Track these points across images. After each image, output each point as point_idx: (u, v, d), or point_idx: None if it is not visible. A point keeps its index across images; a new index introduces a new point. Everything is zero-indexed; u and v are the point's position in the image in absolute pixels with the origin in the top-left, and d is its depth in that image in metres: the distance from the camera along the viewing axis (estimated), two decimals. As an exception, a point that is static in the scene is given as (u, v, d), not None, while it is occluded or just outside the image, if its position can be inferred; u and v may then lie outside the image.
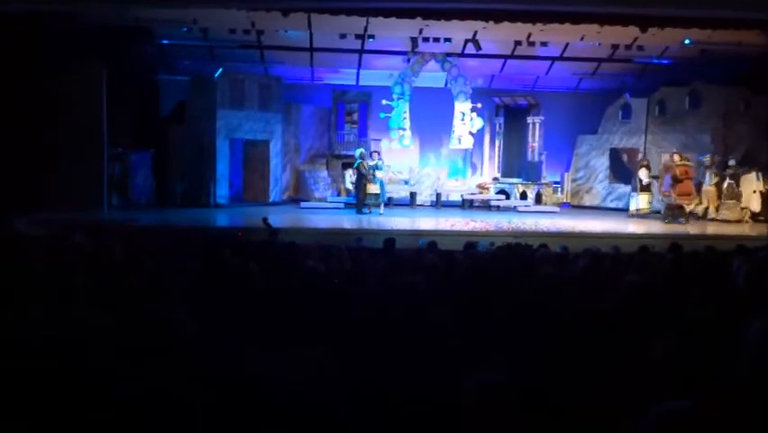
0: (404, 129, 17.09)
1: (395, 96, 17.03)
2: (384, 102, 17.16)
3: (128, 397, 2.07)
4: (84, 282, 3.93)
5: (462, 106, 17.24)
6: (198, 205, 15.54)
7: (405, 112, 17.09)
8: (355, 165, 15.56)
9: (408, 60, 17.03)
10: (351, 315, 3.34)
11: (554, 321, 3.02)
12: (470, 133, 17.38)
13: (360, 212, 15.16)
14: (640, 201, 15.66)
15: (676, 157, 15.01)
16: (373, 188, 15.35)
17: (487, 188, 17.61)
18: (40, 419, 2.04)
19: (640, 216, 15.43)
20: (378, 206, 15.39)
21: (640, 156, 16.60)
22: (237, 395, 2.23)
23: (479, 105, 17.51)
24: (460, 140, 17.36)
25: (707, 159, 15.68)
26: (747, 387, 2.28)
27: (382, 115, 17.22)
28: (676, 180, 14.73)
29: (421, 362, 2.46)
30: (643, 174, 15.62)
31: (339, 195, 17.26)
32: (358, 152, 15.82)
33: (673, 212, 14.70)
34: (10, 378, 2.18)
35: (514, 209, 16.73)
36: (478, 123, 17.41)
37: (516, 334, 2.95)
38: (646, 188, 15.64)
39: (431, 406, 2.15)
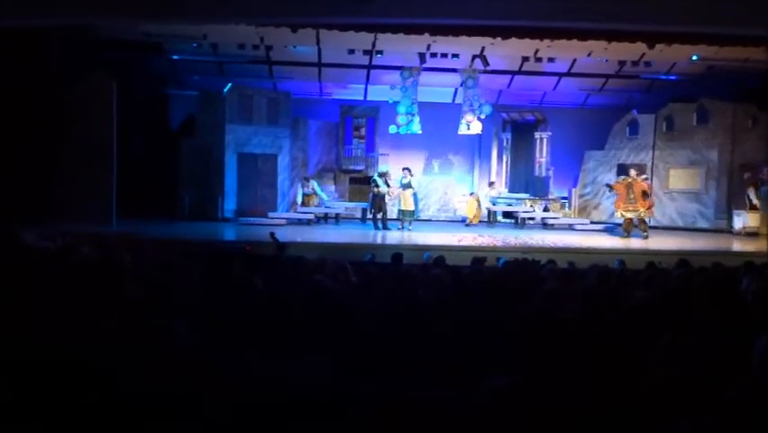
0: (413, 114, 17.03)
1: (406, 83, 16.95)
2: (392, 88, 17.16)
3: (131, 402, 2.10)
4: (90, 294, 3.96)
5: (470, 93, 17.20)
6: (206, 218, 15.61)
7: (413, 97, 17.03)
8: (372, 181, 15.48)
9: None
10: (354, 327, 3.36)
11: (558, 335, 3.02)
12: (479, 119, 17.21)
13: (377, 228, 15.13)
14: (750, 219, 15.60)
15: (633, 172, 15.01)
16: (408, 205, 15.26)
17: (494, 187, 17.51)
18: (48, 421, 2.07)
19: (747, 234, 15.29)
20: (406, 221, 15.25)
21: (747, 175, 16.31)
22: (237, 400, 2.25)
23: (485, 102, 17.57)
24: (469, 126, 17.20)
25: None
26: (754, 402, 2.27)
27: (391, 100, 17.25)
28: (646, 194, 14.71)
29: (422, 373, 2.47)
30: (752, 193, 15.64)
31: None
32: (379, 170, 15.85)
33: (633, 226, 14.64)
34: (18, 385, 2.21)
35: (570, 227, 16.51)
36: (486, 109, 17.33)
37: (520, 348, 2.95)
38: (755, 207, 15.64)
39: (430, 415, 2.16)
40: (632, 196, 14.56)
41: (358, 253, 9.81)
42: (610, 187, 15.30)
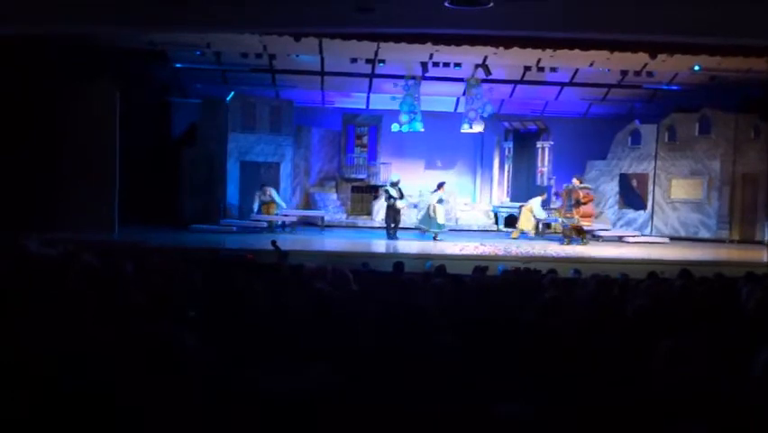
0: (415, 112, 17.00)
1: (408, 82, 16.91)
2: (394, 86, 17.21)
3: (131, 406, 2.11)
4: (92, 301, 3.96)
5: (473, 91, 17.13)
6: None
7: (416, 95, 17.00)
8: (386, 194, 15.40)
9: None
10: (355, 333, 3.36)
11: (559, 341, 3.02)
12: (482, 118, 17.11)
13: (390, 237, 14.99)
14: None
15: (576, 181, 15.11)
16: (440, 218, 15.20)
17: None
18: (47, 424, 2.09)
19: None
20: (423, 232, 15.23)
21: None
22: (238, 408, 2.26)
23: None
24: (471, 124, 17.18)
25: None
26: (753, 414, 2.27)
27: (393, 99, 17.27)
28: (579, 203, 14.78)
29: (421, 382, 2.47)
30: None
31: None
32: (391, 179, 15.83)
33: (573, 234, 14.75)
34: (18, 389, 2.22)
35: (619, 239, 16.16)
36: (488, 108, 17.28)
37: (518, 358, 2.95)
38: None
39: (430, 422, 2.16)
40: (569, 203, 14.84)
41: (358, 262, 9.80)
42: (557, 193, 15.70)
